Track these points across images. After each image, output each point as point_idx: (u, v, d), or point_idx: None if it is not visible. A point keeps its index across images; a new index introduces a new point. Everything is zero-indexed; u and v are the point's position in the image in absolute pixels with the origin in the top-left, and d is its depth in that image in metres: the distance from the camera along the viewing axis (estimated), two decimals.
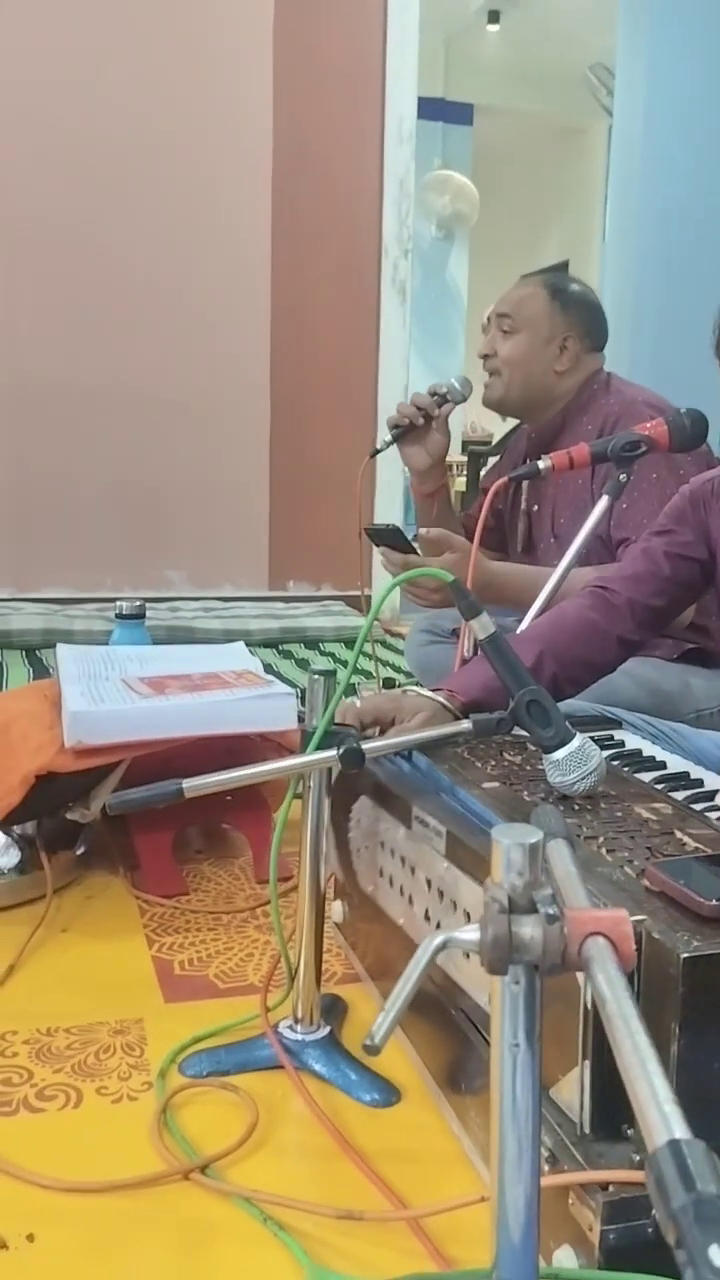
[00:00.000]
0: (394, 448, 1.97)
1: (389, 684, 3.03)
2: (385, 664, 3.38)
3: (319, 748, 1.04)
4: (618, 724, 1.45)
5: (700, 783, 1.17)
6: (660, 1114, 0.41)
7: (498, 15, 7.82)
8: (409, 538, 1.86)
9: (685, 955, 0.74)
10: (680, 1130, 0.40)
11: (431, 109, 8.20)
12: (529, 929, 0.55)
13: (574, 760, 1.04)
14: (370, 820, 1.18)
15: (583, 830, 0.98)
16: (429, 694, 1.30)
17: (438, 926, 1.02)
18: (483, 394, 2.00)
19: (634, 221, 5.82)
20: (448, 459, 6.97)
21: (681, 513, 1.48)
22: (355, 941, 1.32)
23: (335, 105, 4.00)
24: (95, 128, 3.75)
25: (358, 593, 4.35)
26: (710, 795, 1.11)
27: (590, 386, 1.90)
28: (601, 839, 0.96)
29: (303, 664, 3.29)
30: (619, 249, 6.03)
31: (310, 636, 3.70)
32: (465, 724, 1.09)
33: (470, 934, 0.57)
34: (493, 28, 7.93)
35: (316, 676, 1.08)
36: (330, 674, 1.07)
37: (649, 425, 1.48)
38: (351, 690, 1.50)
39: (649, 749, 1.31)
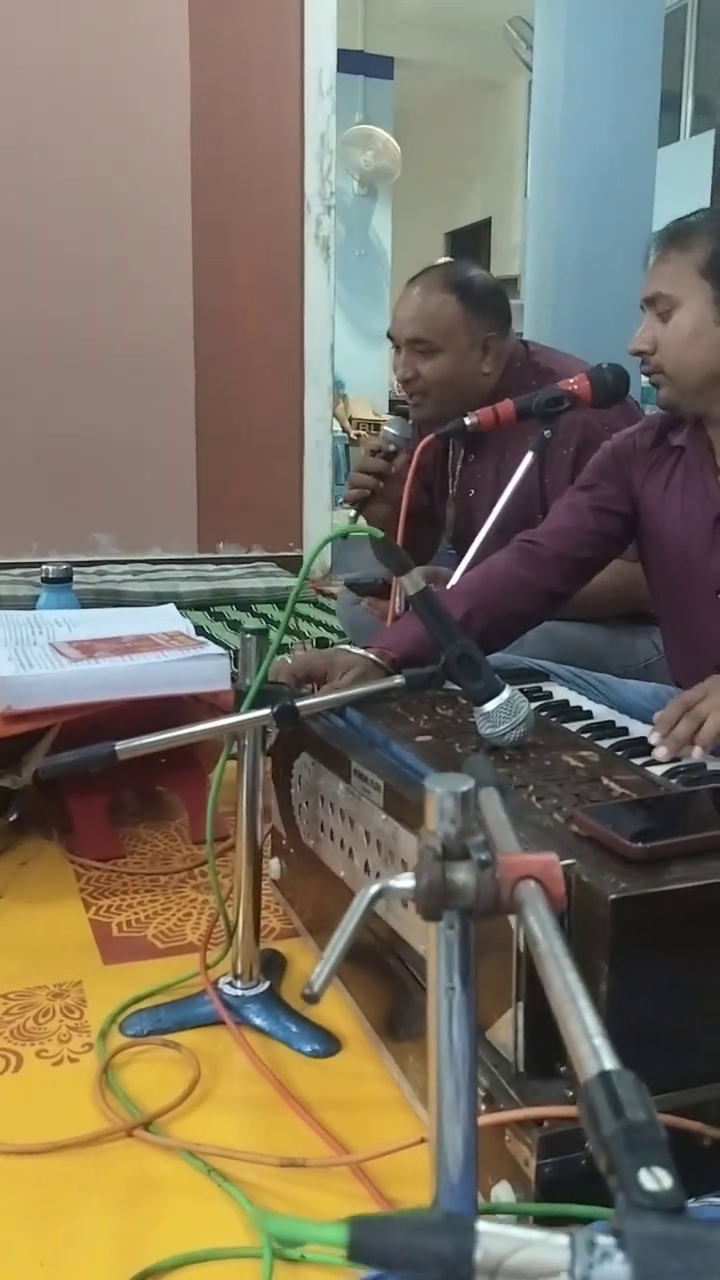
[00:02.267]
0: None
1: (321, 643, 3.05)
2: (318, 624, 3.38)
3: (252, 707, 1.04)
4: (546, 676, 1.48)
5: (625, 730, 1.20)
6: (591, 1047, 0.43)
7: None
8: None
9: (613, 897, 0.76)
10: (610, 1062, 0.42)
11: (352, 62, 8.07)
12: (462, 875, 0.56)
13: (504, 712, 1.06)
14: (311, 776, 1.18)
15: (513, 779, 1.00)
16: (361, 651, 1.31)
17: (377, 878, 1.03)
18: (414, 414, 1.86)
19: (555, 176, 5.80)
20: (376, 417, 6.90)
21: (604, 468, 1.49)
22: (293, 897, 1.34)
23: (254, 58, 3.91)
24: (8, 85, 3.62)
25: (289, 553, 4.34)
26: (635, 743, 1.14)
27: (514, 367, 1.82)
28: (531, 787, 0.98)
29: (234, 626, 3.27)
30: (542, 204, 6.02)
31: (242, 598, 3.67)
32: (398, 679, 1.10)
33: (406, 882, 0.58)
34: None
35: (249, 636, 1.08)
36: (262, 633, 1.08)
37: (572, 381, 1.49)
38: (284, 650, 1.48)
39: (576, 699, 1.34)
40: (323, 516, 4.41)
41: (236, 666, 1.20)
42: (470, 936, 0.59)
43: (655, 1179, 0.35)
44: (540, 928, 0.53)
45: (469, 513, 1.90)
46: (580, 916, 0.78)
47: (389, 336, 1.86)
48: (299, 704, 1.03)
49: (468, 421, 1.51)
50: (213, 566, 4.09)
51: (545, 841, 0.85)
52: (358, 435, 8.60)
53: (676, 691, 1.54)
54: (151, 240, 3.88)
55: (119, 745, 0.97)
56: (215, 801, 1.10)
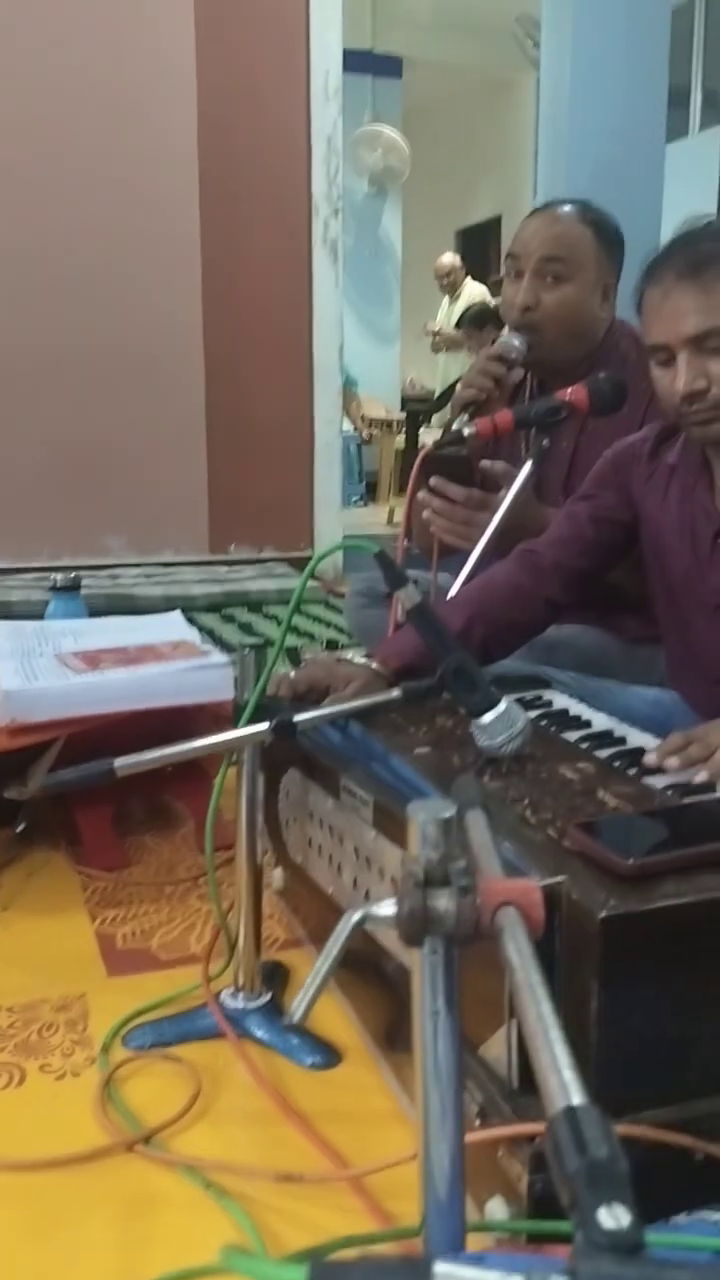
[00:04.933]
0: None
1: (332, 645, 3.05)
2: (328, 624, 3.39)
3: (251, 721, 1.05)
4: (547, 684, 1.48)
5: (624, 740, 1.20)
6: (559, 1081, 0.43)
7: None
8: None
9: (603, 915, 0.76)
10: (577, 1097, 0.42)
11: (360, 61, 8.08)
12: (443, 902, 0.56)
13: (500, 724, 1.06)
14: (299, 791, 1.19)
15: (509, 792, 1.00)
16: (362, 660, 1.31)
17: (366, 894, 1.04)
18: (523, 346, 1.70)
19: (563, 174, 5.80)
20: (389, 416, 6.84)
21: (605, 477, 1.49)
22: (296, 906, 1.34)
23: (260, 60, 3.93)
24: (18, 85, 3.64)
25: (300, 554, 4.35)
26: (633, 753, 1.14)
27: (612, 335, 1.72)
28: (526, 801, 0.98)
29: (245, 628, 3.29)
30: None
31: (253, 599, 3.69)
32: (395, 692, 1.10)
33: (387, 909, 0.59)
34: None
35: (247, 650, 1.09)
36: (261, 647, 1.08)
37: (569, 391, 1.49)
38: (294, 655, 1.42)
39: (575, 708, 1.34)
40: (333, 517, 4.43)
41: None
42: (454, 961, 0.59)
43: (614, 1217, 0.36)
44: (517, 955, 0.53)
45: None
46: (571, 934, 0.79)
47: (510, 257, 1.70)
48: (296, 718, 1.04)
49: (466, 431, 1.51)
50: (224, 568, 4.11)
51: (537, 858, 0.85)
52: (370, 434, 8.61)
53: (678, 698, 1.55)
54: (160, 244, 3.90)
55: (118, 763, 0.97)
56: (215, 811, 1.11)
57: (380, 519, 7.15)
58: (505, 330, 1.72)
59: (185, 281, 3.97)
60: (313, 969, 0.60)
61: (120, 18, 3.73)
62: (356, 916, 0.60)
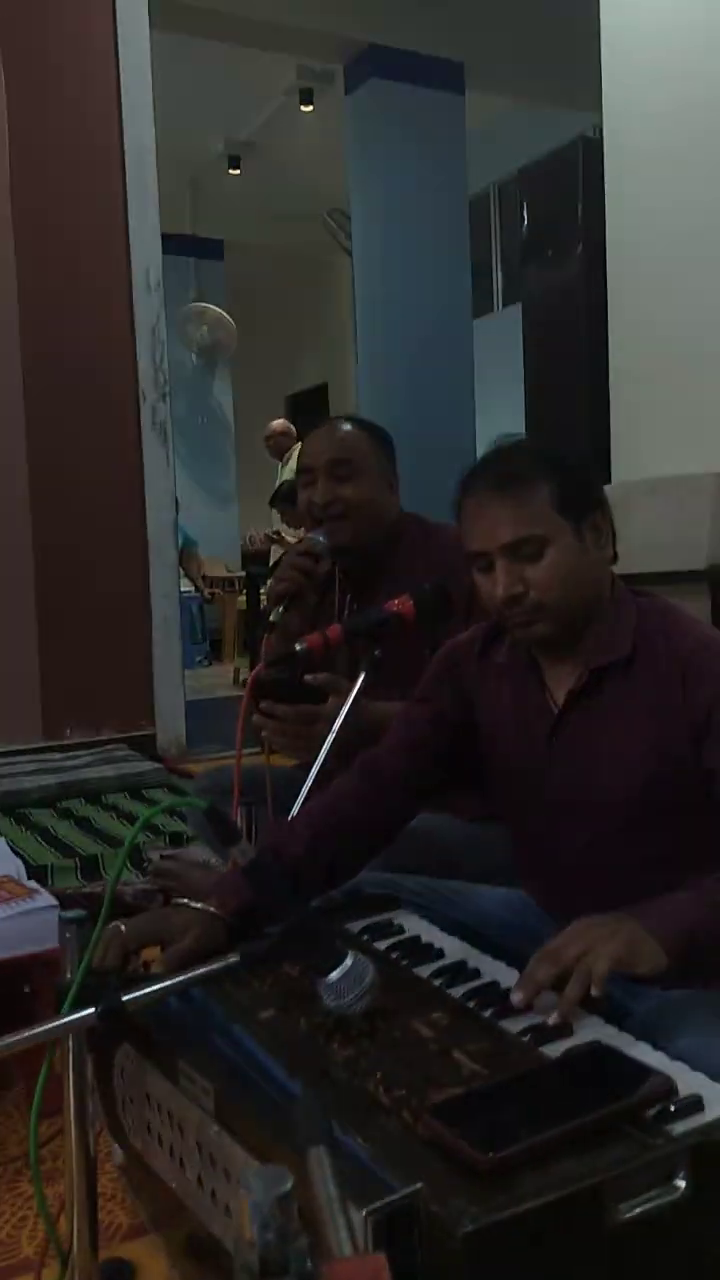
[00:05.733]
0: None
1: (176, 839, 2.93)
2: (172, 813, 3.28)
3: (74, 1005, 0.96)
4: (396, 901, 1.43)
5: (477, 972, 1.16)
6: None
7: (238, 160, 8.16)
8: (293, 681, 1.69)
9: (465, 1231, 0.71)
10: None
11: (182, 245, 8.44)
12: None
13: (347, 982, 1.00)
14: (135, 1069, 1.09)
15: (360, 1063, 0.94)
16: (199, 905, 1.24)
17: (213, 1196, 0.94)
18: (331, 538, 1.83)
19: (382, 349, 6.12)
20: (230, 574, 6.89)
21: (439, 678, 1.49)
22: (139, 1185, 1.22)
23: (80, 255, 4.02)
24: None
25: (141, 732, 4.24)
26: (486, 989, 1.10)
27: (401, 523, 1.88)
28: (379, 1074, 0.92)
29: (83, 824, 3.13)
30: (371, 372, 6.32)
31: (91, 789, 3.54)
32: (233, 958, 1.03)
33: None
34: (234, 172, 8.26)
35: (70, 921, 1.01)
36: (84, 920, 1.00)
37: (396, 602, 1.50)
38: (138, 854, 1.32)
39: (427, 933, 1.29)
40: (175, 692, 4.35)
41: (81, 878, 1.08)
42: None
43: None
44: None
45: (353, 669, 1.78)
46: (433, 1253, 0.73)
47: (302, 471, 1.86)
48: (126, 998, 0.96)
49: (298, 647, 1.49)
50: (60, 754, 3.96)
51: (391, 1157, 0.79)
52: (212, 594, 8.63)
53: (529, 900, 1.52)
54: None
55: None
56: (38, 1108, 1.00)
57: (226, 679, 7.11)
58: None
59: (10, 467, 3.93)
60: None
61: None
62: None
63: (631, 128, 3.83)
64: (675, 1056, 0.94)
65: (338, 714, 1.49)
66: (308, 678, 1.64)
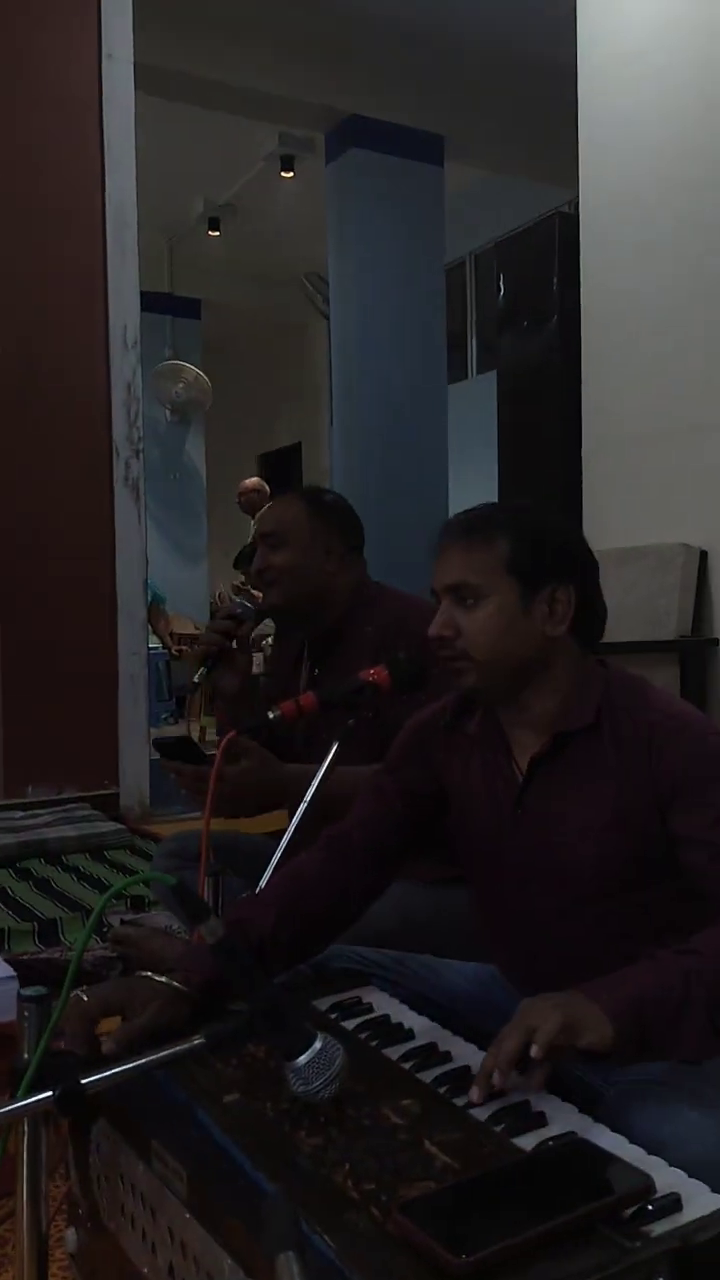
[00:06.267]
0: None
1: (139, 903, 2.87)
2: (133, 872, 3.22)
3: (32, 1087, 0.92)
4: (364, 977, 1.40)
5: (448, 1055, 1.13)
6: None
7: (217, 222, 8.29)
8: (198, 748, 1.81)
9: None
10: None
11: (159, 303, 8.52)
12: None
13: (316, 1067, 0.97)
14: (110, 1147, 1.05)
15: (328, 1153, 0.91)
16: (163, 979, 1.21)
17: None
18: (264, 601, 2.00)
19: (357, 413, 6.19)
20: (197, 631, 6.97)
21: (408, 750, 1.47)
22: (92, 1273, 1.17)
23: (58, 311, 4.04)
24: None
25: (104, 791, 4.18)
26: (456, 1075, 1.07)
27: (363, 592, 1.97)
28: (347, 1166, 0.89)
29: (43, 886, 3.07)
30: (345, 435, 6.38)
31: (52, 849, 3.47)
32: (197, 1040, 1.00)
33: None
34: (214, 233, 8.38)
35: (29, 999, 0.97)
36: (44, 999, 0.97)
37: (372, 671, 1.50)
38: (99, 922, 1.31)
39: (397, 1013, 1.26)
40: (140, 750, 4.30)
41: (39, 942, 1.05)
42: None
43: None
44: None
45: (312, 734, 1.92)
46: None
47: (250, 543, 2.01)
48: (85, 1081, 0.92)
49: (271, 714, 1.48)
50: (20, 813, 3.88)
51: (360, 1259, 0.76)
52: (179, 651, 8.58)
53: (496, 972, 1.50)
54: None
55: None
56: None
57: (191, 737, 7.04)
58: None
59: None
60: None
61: None
62: None
63: (607, 207, 3.93)
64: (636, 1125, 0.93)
65: (312, 781, 1.47)
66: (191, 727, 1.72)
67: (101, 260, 4.12)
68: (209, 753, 1.73)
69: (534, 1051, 0.99)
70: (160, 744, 1.78)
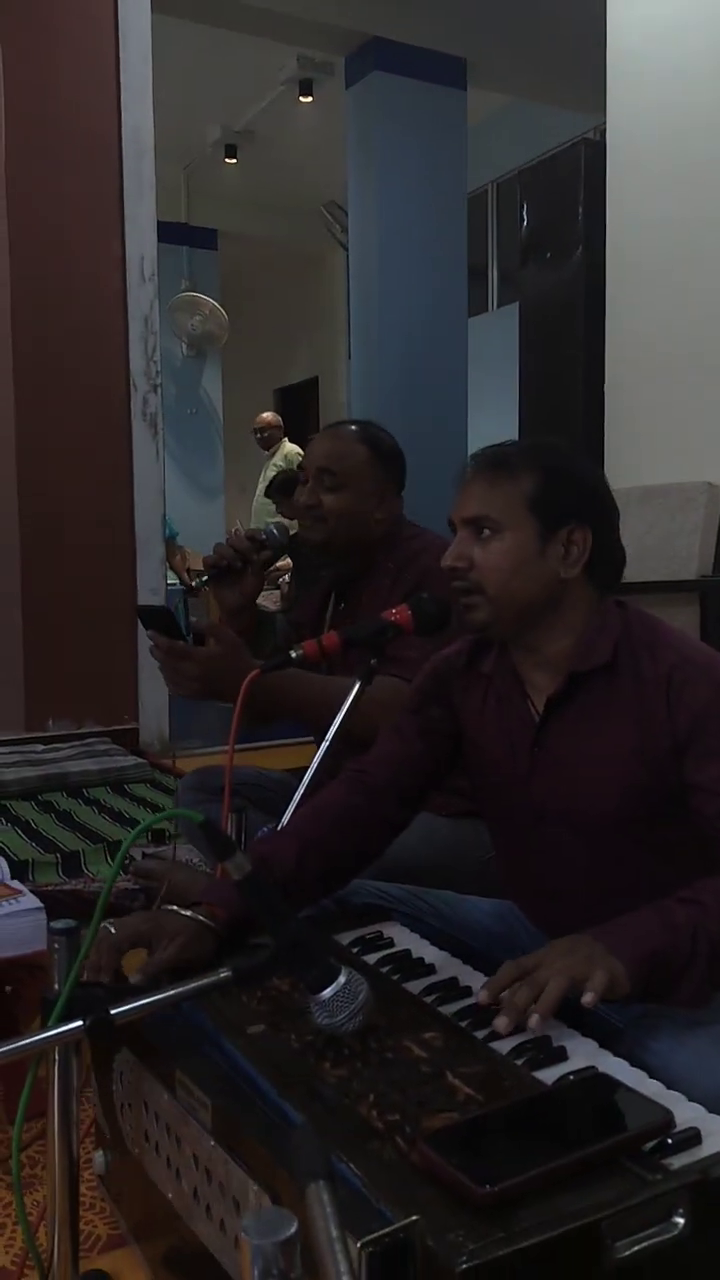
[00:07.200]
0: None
1: (160, 836, 2.90)
2: (156, 808, 3.25)
3: (62, 1017, 0.94)
4: (385, 912, 1.42)
5: (469, 990, 1.15)
6: None
7: (235, 149, 8.10)
8: (180, 623, 1.76)
9: (463, 1267, 0.69)
10: None
11: (176, 233, 8.37)
12: None
13: (340, 1000, 0.99)
14: (133, 1076, 1.08)
15: (352, 1084, 0.93)
16: (188, 913, 1.22)
17: (208, 1210, 0.93)
18: (304, 534, 1.97)
19: (375, 346, 6.09)
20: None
21: (427, 690, 1.47)
22: (120, 1194, 1.21)
23: (75, 243, 3.98)
24: None
25: (123, 726, 4.21)
26: (477, 1008, 1.09)
27: (396, 531, 1.94)
28: (372, 1097, 0.91)
29: (65, 818, 3.11)
30: (363, 368, 6.30)
31: (73, 782, 3.52)
32: (225, 973, 1.01)
33: None
34: (230, 161, 8.20)
35: (59, 932, 0.99)
36: (74, 931, 0.98)
37: (394, 611, 1.49)
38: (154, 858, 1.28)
39: (417, 947, 1.28)
40: (158, 687, 4.32)
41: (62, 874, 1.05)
42: None
43: None
44: None
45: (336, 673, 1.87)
46: None
47: (299, 468, 1.96)
48: (114, 1011, 0.94)
49: (294, 654, 1.48)
50: (42, 746, 3.92)
51: (386, 1187, 0.78)
52: (195, 585, 8.57)
53: (515, 909, 1.51)
54: None
55: None
56: (23, 1119, 0.98)
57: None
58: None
59: None
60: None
61: None
62: None
63: (635, 133, 3.82)
64: (655, 1060, 0.95)
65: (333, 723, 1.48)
66: (192, 619, 1.69)
67: (118, 190, 4.04)
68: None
69: (536, 1014, 1.01)
70: (142, 610, 1.75)
